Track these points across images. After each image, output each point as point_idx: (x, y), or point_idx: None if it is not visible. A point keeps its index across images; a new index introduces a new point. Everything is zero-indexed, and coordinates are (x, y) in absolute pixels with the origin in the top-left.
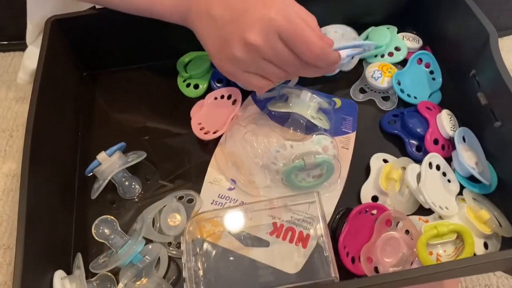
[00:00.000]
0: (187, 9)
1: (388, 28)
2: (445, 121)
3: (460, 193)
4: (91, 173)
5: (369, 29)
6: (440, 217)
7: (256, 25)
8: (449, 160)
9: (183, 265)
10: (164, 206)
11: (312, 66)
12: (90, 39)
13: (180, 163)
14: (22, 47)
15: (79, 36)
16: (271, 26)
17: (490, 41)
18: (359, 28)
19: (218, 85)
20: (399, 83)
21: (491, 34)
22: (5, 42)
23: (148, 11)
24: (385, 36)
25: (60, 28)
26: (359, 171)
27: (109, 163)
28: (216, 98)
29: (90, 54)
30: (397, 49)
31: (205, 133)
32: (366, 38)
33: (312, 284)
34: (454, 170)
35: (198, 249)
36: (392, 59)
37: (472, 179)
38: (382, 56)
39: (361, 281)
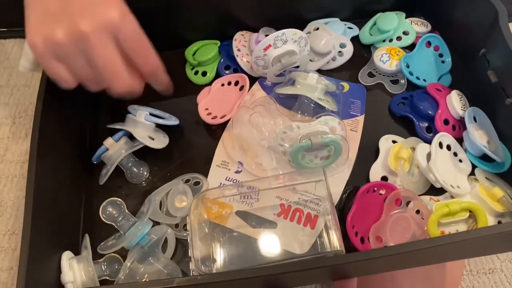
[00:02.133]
0: None
1: (396, 14)
2: (455, 101)
3: (472, 173)
4: (99, 160)
5: (377, 15)
6: (452, 197)
7: (95, 16)
8: (460, 141)
9: (189, 244)
10: (170, 189)
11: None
12: None
13: (188, 148)
14: (23, 34)
15: None
16: (112, 24)
17: (499, 18)
18: (367, 15)
19: (226, 72)
20: (407, 66)
21: (500, 11)
22: (6, 29)
23: None
24: (393, 21)
25: None
26: (368, 153)
27: (116, 148)
28: (223, 85)
29: None
30: (405, 33)
31: (212, 118)
32: (374, 24)
33: (318, 257)
34: (465, 150)
35: (206, 230)
36: (401, 43)
37: (484, 158)
38: (391, 40)
39: (367, 253)
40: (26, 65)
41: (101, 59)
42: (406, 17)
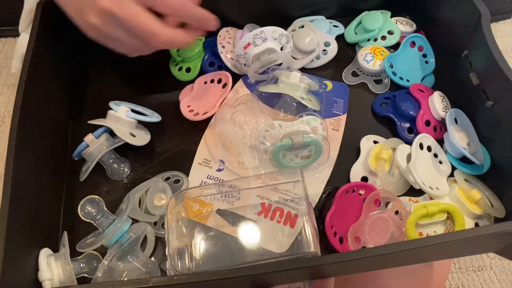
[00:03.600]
0: None
1: (381, 13)
2: (437, 102)
3: (452, 174)
4: (80, 156)
5: (363, 14)
6: (431, 198)
7: None
8: (441, 142)
9: (166, 242)
10: (150, 187)
11: (170, 29)
12: None
13: (169, 145)
14: (14, 33)
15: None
16: None
17: (482, 20)
18: (353, 13)
19: (210, 68)
20: (391, 66)
21: (482, 13)
22: None
23: None
24: (378, 20)
25: (52, 11)
26: (350, 152)
27: (97, 145)
28: (206, 82)
29: (82, 39)
30: (390, 32)
31: (194, 115)
32: (359, 23)
33: (295, 258)
34: (446, 151)
35: (184, 228)
36: (385, 43)
37: (464, 160)
38: (375, 40)
39: (343, 255)
40: (18, 66)
41: (133, 24)
42: (391, 16)
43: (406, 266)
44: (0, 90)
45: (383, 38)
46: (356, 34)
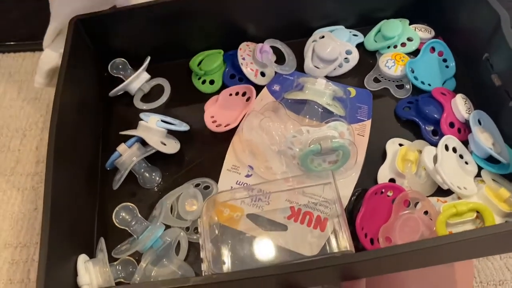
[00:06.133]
0: None
1: (400, 21)
2: (460, 105)
3: (478, 175)
4: (113, 166)
5: (382, 22)
6: (459, 198)
7: None
8: (466, 143)
9: (201, 246)
10: (181, 193)
11: None
12: (111, 39)
13: (198, 153)
14: (33, 47)
15: (100, 36)
16: None
17: (501, 22)
18: (372, 23)
19: (231, 80)
20: (412, 71)
21: (502, 16)
22: (15, 43)
23: None
24: (397, 28)
25: (82, 28)
26: (376, 157)
27: (129, 154)
28: (231, 95)
29: (111, 54)
30: (409, 39)
31: (216, 126)
32: (379, 31)
33: (327, 257)
34: (471, 152)
35: (216, 232)
36: (405, 49)
37: (489, 160)
38: (395, 47)
39: (375, 252)
40: (41, 81)
41: None
42: (409, 24)
43: (431, 276)
44: (21, 104)
45: (403, 44)
46: (376, 42)
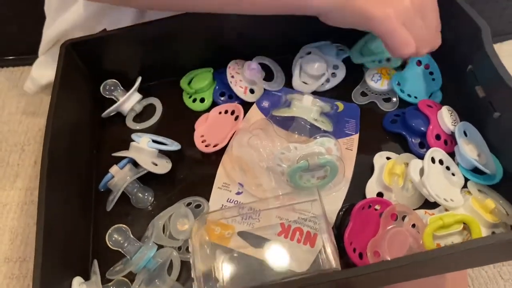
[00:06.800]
0: None
1: None
2: (445, 117)
3: (465, 186)
4: (106, 187)
5: (368, 36)
6: (446, 210)
7: None
8: (453, 155)
9: (192, 265)
10: (173, 213)
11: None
12: (103, 61)
13: (190, 172)
14: (32, 61)
15: (92, 58)
16: None
17: (482, 35)
18: (358, 37)
19: (221, 98)
20: (399, 84)
21: (482, 28)
22: (14, 57)
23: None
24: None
25: (74, 51)
26: (364, 170)
27: (121, 175)
28: (220, 113)
29: (103, 75)
30: (388, 60)
31: (206, 146)
32: (364, 44)
33: (317, 274)
34: (458, 164)
35: (208, 251)
36: (391, 65)
37: (476, 171)
38: (380, 61)
39: (363, 268)
40: (31, 87)
41: (434, 21)
42: None
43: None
44: (20, 119)
45: (388, 60)
46: (362, 55)
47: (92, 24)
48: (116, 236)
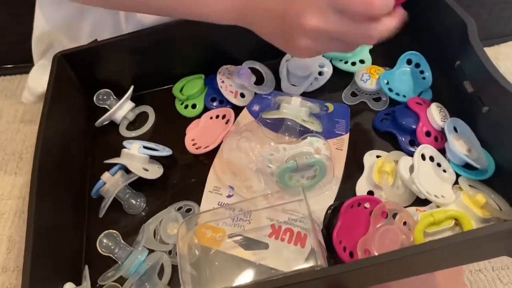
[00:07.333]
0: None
1: None
2: (435, 113)
3: (457, 182)
4: (98, 194)
5: None
6: (438, 207)
7: (308, 8)
8: (444, 151)
9: (179, 268)
10: (163, 217)
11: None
12: (95, 71)
13: (181, 177)
14: (29, 70)
15: (84, 69)
16: (322, 2)
17: (468, 30)
18: None
19: (213, 104)
20: (387, 83)
21: (468, 24)
22: (12, 66)
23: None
24: None
25: (66, 63)
26: (354, 170)
27: (113, 182)
28: (211, 118)
29: (95, 85)
30: (361, 61)
31: (196, 148)
32: None
33: (300, 272)
34: (449, 160)
35: (198, 254)
36: (354, 69)
37: (468, 167)
38: (346, 62)
39: (350, 264)
40: (29, 97)
41: (349, 37)
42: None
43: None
44: (17, 127)
45: (353, 64)
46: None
47: (74, 24)
48: (106, 242)
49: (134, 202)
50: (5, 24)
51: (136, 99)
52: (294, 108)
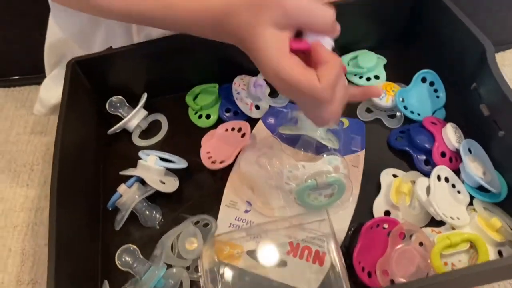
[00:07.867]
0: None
1: (378, 57)
2: (450, 134)
3: (471, 203)
4: (114, 206)
5: (362, 50)
6: (453, 228)
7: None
8: (458, 172)
9: (202, 287)
10: (181, 231)
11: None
12: (108, 78)
13: (197, 189)
14: (38, 80)
15: (98, 76)
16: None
17: (487, 54)
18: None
19: (227, 114)
20: (402, 100)
21: (487, 48)
22: (20, 77)
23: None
24: (371, 61)
25: (79, 70)
26: (371, 187)
27: (130, 194)
28: (227, 130)
29: (109, 92)
30: (376, 77)
31: (212, 162)
32: (355, 57)
33: None
34: (463, 181)
35: (216, 271)
36: (369, 84)
37: (481, 189)
38: (361, 77)
39: None
40: (41, 110)
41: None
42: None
43: None
44: (28, 138)
45: (368, 79)
46: (348, 65)
47: (88, 33)
48: (125, 257)
49: (150, 214)
50: (12, 35)
51: (149, 107)
52: (312, 124)
